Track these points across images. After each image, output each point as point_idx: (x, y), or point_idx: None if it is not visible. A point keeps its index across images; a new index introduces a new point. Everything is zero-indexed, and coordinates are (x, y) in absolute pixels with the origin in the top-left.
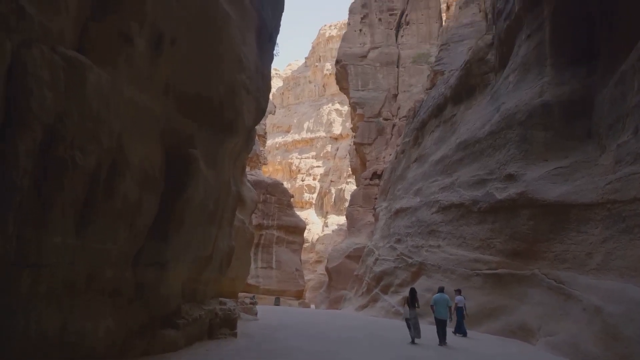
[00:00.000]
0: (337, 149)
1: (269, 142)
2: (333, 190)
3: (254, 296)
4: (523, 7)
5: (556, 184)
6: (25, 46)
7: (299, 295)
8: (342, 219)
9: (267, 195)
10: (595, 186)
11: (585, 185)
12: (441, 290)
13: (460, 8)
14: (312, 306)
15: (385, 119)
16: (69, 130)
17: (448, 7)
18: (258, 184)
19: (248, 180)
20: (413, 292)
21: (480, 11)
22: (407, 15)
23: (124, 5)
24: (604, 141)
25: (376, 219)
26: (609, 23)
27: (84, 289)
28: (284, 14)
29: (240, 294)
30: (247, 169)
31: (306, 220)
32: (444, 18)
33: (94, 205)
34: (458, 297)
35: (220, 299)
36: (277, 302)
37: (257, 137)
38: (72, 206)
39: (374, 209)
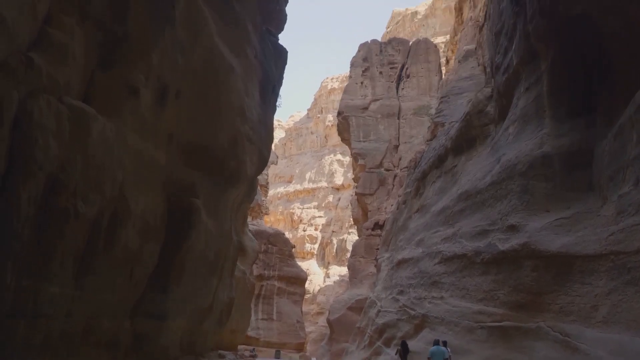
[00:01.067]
0: (339, 199)
1: (270, 192)
2: (335, 241)
3: (253, 349)
4: (521, 62)
5: (559, 235)
6: (32, 96)
7: (300, 348)
8: (344, 270)
9: (269, 246)
10: (598, 237)
11: (588, 237)
12: (437, 342)
13: (459, 62)
14: (314, 359)
15: (387, 170)
16: (71, 178)
17: (447, 61)
18: (259, 234)
19: (249, 230)
20: (404, 345)
21: (479, 65)
22: (407, 69)
23: (130, 57)
24: (605, 192)
25: (378, 270)
26: (605, 76)
27: (81, 340)
28: (287, 66)
29: (240, 347)
30: (249, 218)
31: (307, 271)
32: (443, 71)
33: (93, 254)
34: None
35: (220, 351)
36: (277, 355)
37: (259, 187)
38: (71, 255)
39: (376, 259)
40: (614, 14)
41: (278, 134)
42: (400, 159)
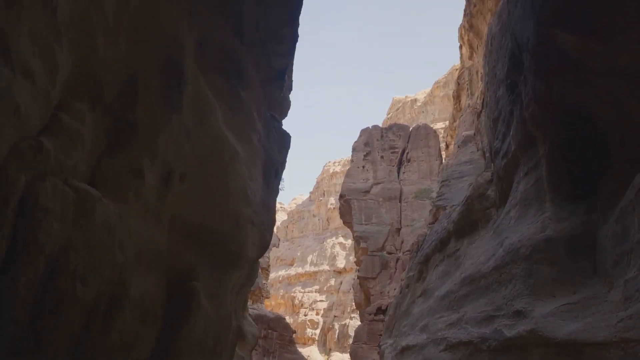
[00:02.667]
0: (341, 283)
1: (272, 275)
2: (336, 326)
3: None
4: (519, 147)
5: (566, 321)
6: (39, 179)
7: None
8: (346, 357)
9: (269, 331)
10: (607, 324)
11: (596, 323)
12: None
13: (458, 147)
14: None
15: (389, 253)
16: (72, 260)
17: (447, 146)
18: (260, 319)
19: (250, 315)
20: None
21: (478, 150)
22: (408, 153)
23: (137, 143)
24: (611, 277)
25: (381, 357)
26: (603, 160)
27: None
28: (290, 150)
29: None
30: (249, 302)
31: (308, 358)
32: (443, 156)
33: (89, 338)
34: None
35: None
36: None
37: (260, 270)
38: (66, 339)
39: (379, 346)
40: (607, 104)
41: (280, 217)
42: (402, 242)
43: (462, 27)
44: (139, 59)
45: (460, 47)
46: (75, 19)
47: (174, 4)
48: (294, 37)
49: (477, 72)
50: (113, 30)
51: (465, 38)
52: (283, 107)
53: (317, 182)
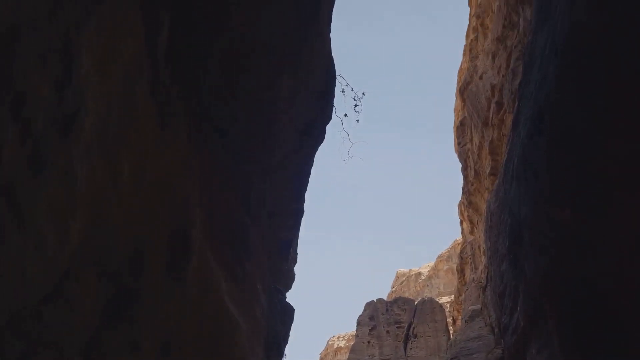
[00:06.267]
0: None
1: None
2: None
3: None
4: (527, 323)
5: None
6: (33, 353)
7: None
8: None
9: None
10: None
11: None
12: None
13: (466, 322)
14: None
15: None
16: None
17: (454, 321)
18: None
19: None
20: None
21: (486, 325)
22: (414, 328)
23: (138, 313)
24: None
25: None
26: (616, 330)
27: None
28: (292, 325)
29: None
30: None
31: None
32: (451, 331)
33: None
34: None
35: None
36: None
37: None
38: None
39: None
40: (612, 274)
41: None
42: None
43: (461, 203)
44: (148, 229)
45: (461, 222)
46: (92, 192)
47: (187, 178)
48: (300, 212)
49: (479, 247)
50: (126, 203)
51: (465, 214)
52: (288, 279)
53: (321, 358)
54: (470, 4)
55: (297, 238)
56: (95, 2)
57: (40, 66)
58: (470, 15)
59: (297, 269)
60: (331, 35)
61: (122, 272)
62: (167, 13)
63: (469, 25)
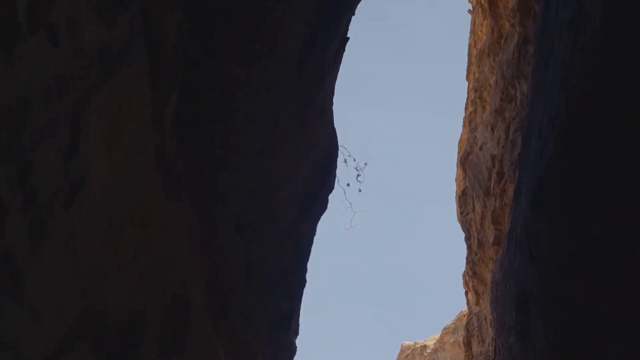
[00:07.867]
0: None
1: None
2: None
3: None
4: None
5: None
6: None
7: None
8: None
9: None
10: None
11: None
12: None
13: None
14: None
15: None
16: None
17: None
18: None
19: None
20: None
21: None
22: None
23: None
24: None
25: None
26: None
27: None
28: None
29: None
30: None
31: None
32: None
33: None
34: None
35: None
36: None
37: None
38: None
39: None
40: (621, 349)
41: None
42: None
43: (465, 273)
44: (147, 299)
45: (466, 292)
46: (92, 261)
47: (190, 248)
48: (302, 282)
49: (485, 318)
50: (126, 274)
51: (470, 285)
52: (289, 352)
53: None
54: (468, 78)
55: (299, 309)
56: (106, 76)
57: (49, 136)
58: (468, 89)
59: (298, 340)
60: (334, 107)
61: (119, 343)
62: (175, 89)
63: (467, 98)
